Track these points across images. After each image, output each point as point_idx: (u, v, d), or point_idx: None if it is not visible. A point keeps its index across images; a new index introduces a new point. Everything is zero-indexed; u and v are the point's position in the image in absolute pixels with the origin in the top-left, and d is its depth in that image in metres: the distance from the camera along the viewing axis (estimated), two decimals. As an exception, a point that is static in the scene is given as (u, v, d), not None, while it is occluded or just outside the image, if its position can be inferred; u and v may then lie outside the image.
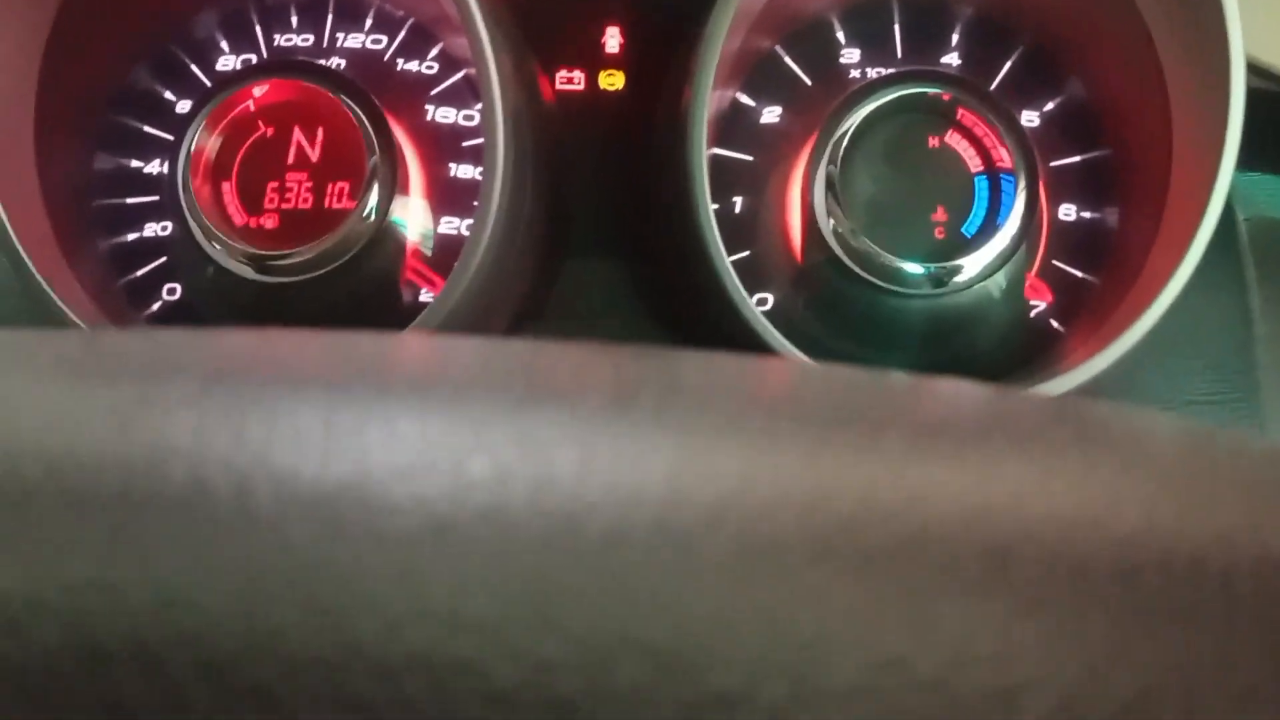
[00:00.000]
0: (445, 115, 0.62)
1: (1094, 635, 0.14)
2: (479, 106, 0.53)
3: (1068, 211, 0.61)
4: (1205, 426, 0.20)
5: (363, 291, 0.59)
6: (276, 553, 0.14)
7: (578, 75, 0.65)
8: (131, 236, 0.61)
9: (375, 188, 0.58)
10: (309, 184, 0.59)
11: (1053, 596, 0.14)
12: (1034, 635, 0.14)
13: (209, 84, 0.62)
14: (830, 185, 0.58)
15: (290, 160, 0.59)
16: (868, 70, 0.62)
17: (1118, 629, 0.14)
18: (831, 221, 0.57)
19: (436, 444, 0.15)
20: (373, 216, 0.58)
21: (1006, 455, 0.16)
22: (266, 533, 0.14)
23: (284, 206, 0.59)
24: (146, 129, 0.62)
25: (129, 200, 0.61)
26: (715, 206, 0.55)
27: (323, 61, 0.62)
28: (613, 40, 0.64)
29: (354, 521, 0.14)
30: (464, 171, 0.61)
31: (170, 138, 0.61)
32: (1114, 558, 0.15)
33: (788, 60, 0.62)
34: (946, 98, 0.58)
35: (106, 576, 0.13)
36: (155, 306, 0.61)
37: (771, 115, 0.62)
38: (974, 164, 0.58)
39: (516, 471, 0.15)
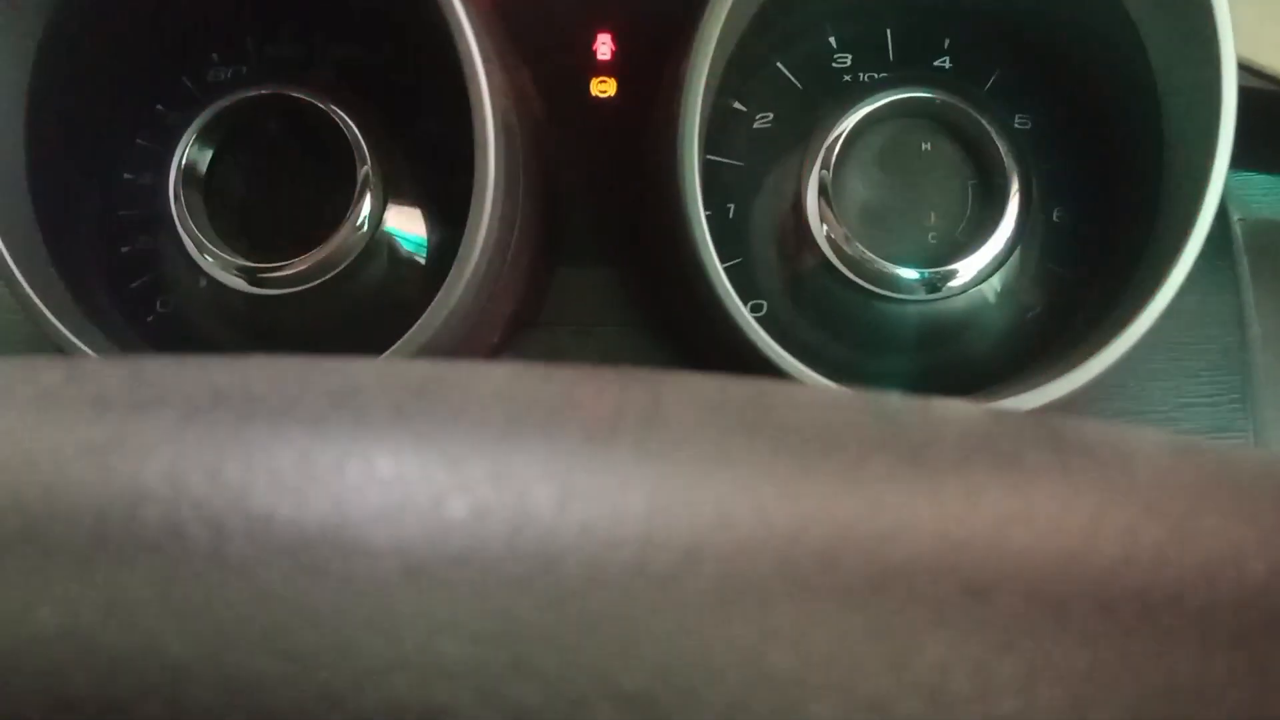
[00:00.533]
0: (437, 124, 0.61)
1: (1075, 670, 0.14)
2: (472, 115, 0.53)
3: (1061, 215, 0.61)
4: (1192, 444, 0.20)
5: (356, 302, 0.59)
6: (250, 599, 0.14)
7: (569, 83, 0.65)
8: (124, 249, 0.61)
9: (368, 198, 0.58)
10: (301, 195, 0.59)
11: (1033, 632, 0.14)
12: (1013, 673, 0.14)
13: (200, 95, 0.62)
14: (823, 190, 0.57)
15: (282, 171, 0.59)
16: (860, 74, 0.61)
17: (1099, 664, 0.14)
18: (825, 227, 0.57)
19: (413, 484, 0.15)
20: (365, 226, 0.58)
21: (986, 488, 0.16)
22: (240, 578, 0.14)
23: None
24: (137, 141, 0.62)
25: (120, 213, 0.61)
26: (707, 213, 0.55)
27: (314, 71, 0.61)
28: (604, 47, 0.64)
29: (329, 566, 0.14)
30: (456, 181, 0.61)
31: (161, 149, 0.61)
32: (1094, 591, 0.15)
33: (780, 65, 0.62)
34: (939, 101, 0.58)
35: (77, 626, 0.13)
36: (149, 319, 0.61)
37: (764, 121, 0.62)
38: (967, 168, 0.58)
39: (493, 513, 0.14)
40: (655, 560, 0.14)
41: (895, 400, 0.20)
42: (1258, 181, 0.67)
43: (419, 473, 0.15)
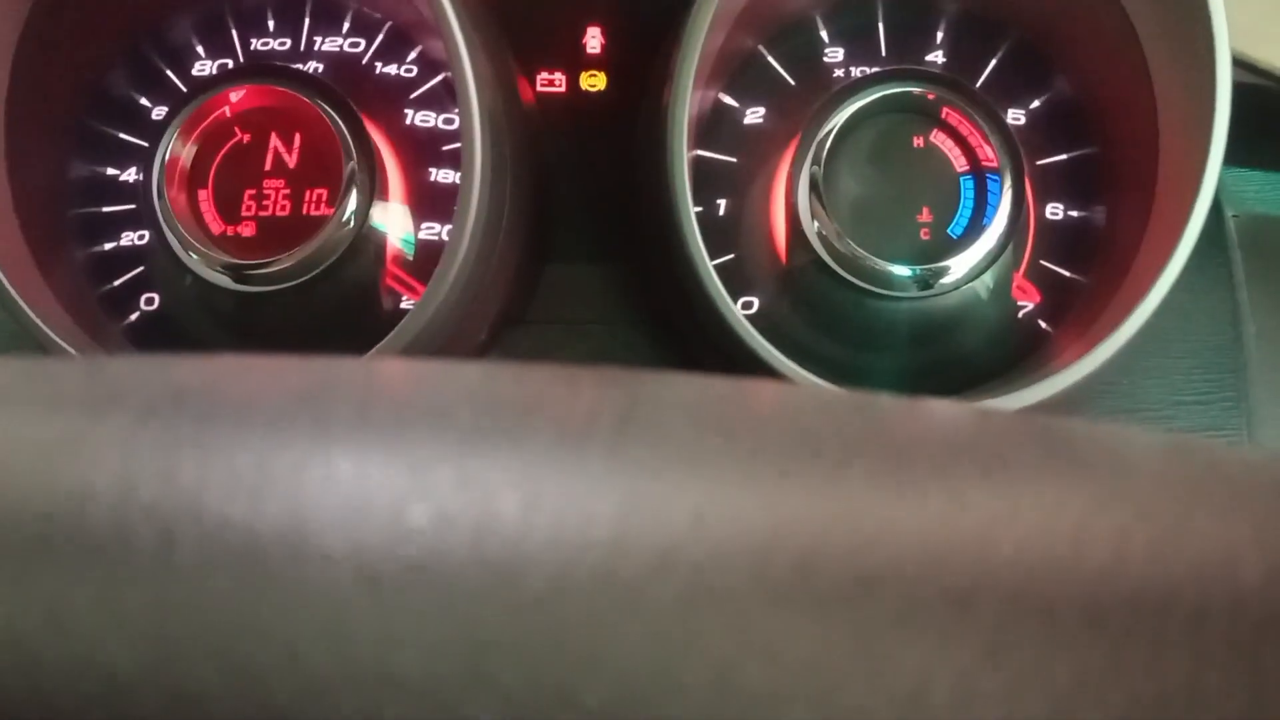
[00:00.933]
0: (424, 119, 0.61)
1: (1060, 680, 0.13)
2: (458, 109, 0.53)
3: (1055, 210, 0.60)
4: (1183, 443, 0.20)
5: (343, 299, 0.59)
6: (197, 607, 0.13)
7: (559, 76, 0.64)
8: (108, 246, 0.61)
9: (354, 193, 0.57)
10: (286, 191, 0.58)
11: (1016, 640, 0.14)
12: (996, 683, 0.13)
13: (184, 89, 0.61)
14: (814, 186, 0.57)
15: (267, 167, 0.58)
16: (852, 69, 0.61)
17: (1087, 673, 0.13)
18: (816, 223, 0.57)
19: (374, 489, 0.14)
20: (352, 223, 0.57)
21: (969, 492, 0.15)
22: (187, 585, 0.13)
23: (261, 214, 0.58)
24: (121, 135, 0.61)
25: (104, 209, 0.61)
26: (698, 209, 0.55)
27: (300, 65, 0.61)
28: (594, 41, 0.64)
29: (282, 573, 0.13)
30: (444, 176, 0.60)
31: (145, 144, 0.60)
32: (1083, 597, 0.14)
33: (771, 60, 0.61)
34: (931, 96, 0.58)
35: (15, 633, 0.12)
36: (133, 317, 0.60)
37: (755, 116, 0.61)
38: (959, 163, 0.58)
39: (456, 520, 0.14)
40: (623, 567, 0.13)
41: (879, 401, 0.19)
42: (1252, 177, 0.67)
43: (380, 477, 0.14)
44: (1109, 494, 0.16)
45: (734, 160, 0.61)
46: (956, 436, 0.17)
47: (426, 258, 0.59)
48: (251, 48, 0.62)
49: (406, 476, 0.15)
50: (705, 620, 0.13)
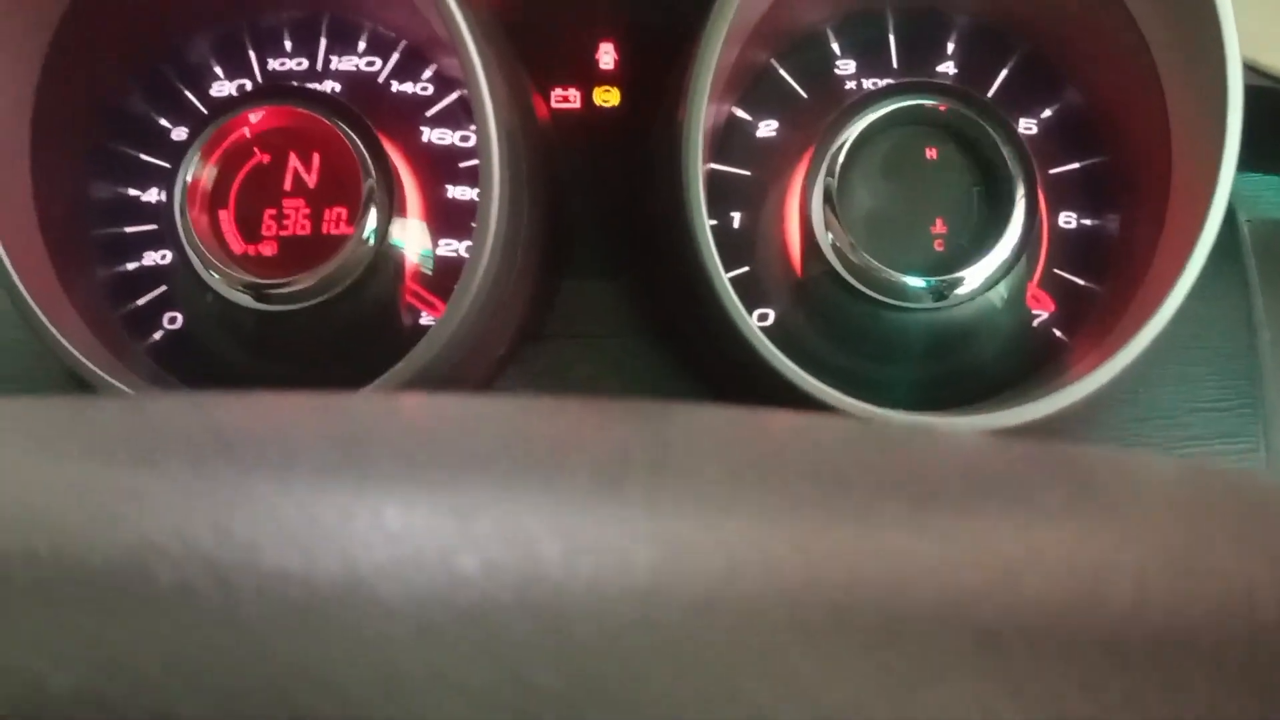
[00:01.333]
0: (441, 136, 0.61)
1: (1083, 717, 0.14)
2: (474, 127, 0.53)
3: (1068, 220, 0.60)
4: (1201, 472, 0.20)
5: (363, 316, 0.59)
6: (262, 660, 0.13)
7: (573, 93, 0.65)
8: (130, 266, 0.61)
9: (373, 211, 0.58)
10: (306, 210, 0.59)
11: (1042, 679, 0.14)
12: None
13: (204, 110, 0.62)
14: (828, 199, 0.57)
15: (287, 186, 0.59)
16: (864, 82, 0.61)
17: (1108, 710, 0.14)
18: (830, 235, 0.57)
19: (422, 538, 0.15)
20: (371, 240, 0.58)
21: (995, 532, 0.16)
22: (251, 638, 0.14)
23: (282, 233, 0.59)
24: (143, 157, 0.62)
25: (127, 229, 0.61)
26: (713, 222, 0.55)
27: (317, 85, 0.61)
28: (607, 57, 0.64)
29: (341, 625, 0.14)
30: (461, 193, 0.61)
31: (167, 165, 0.61)
32: (1105, 636, 0.14)
33: (783, 73, 0.62)
34: (943, 108, 0.58)
35: (89, 688, 0.13)
36: (156, 336, 0.61)
37: (768, 129, 0.62)
38: (972, 174, 0.58)
39: (503, 569, 0.14)
40: (663, 616, 0.14)
41: (904, 432, 0.20)
42: (1266, 182, 0.67)
43: (428, 525, 0.15)
44: (1130, 530, 0.16)
45: (748, 173, 0.61)
46: (982, 473, 0.17)
47: (445, 274, 0.59)
48: (269, 68, 0.62)
49: (453, 525, 0.15)
50: (744, 664, 0.14)
